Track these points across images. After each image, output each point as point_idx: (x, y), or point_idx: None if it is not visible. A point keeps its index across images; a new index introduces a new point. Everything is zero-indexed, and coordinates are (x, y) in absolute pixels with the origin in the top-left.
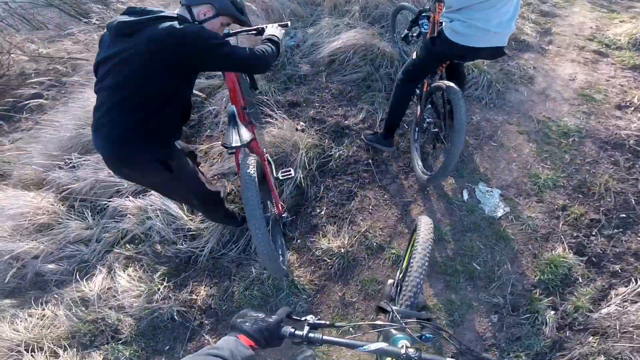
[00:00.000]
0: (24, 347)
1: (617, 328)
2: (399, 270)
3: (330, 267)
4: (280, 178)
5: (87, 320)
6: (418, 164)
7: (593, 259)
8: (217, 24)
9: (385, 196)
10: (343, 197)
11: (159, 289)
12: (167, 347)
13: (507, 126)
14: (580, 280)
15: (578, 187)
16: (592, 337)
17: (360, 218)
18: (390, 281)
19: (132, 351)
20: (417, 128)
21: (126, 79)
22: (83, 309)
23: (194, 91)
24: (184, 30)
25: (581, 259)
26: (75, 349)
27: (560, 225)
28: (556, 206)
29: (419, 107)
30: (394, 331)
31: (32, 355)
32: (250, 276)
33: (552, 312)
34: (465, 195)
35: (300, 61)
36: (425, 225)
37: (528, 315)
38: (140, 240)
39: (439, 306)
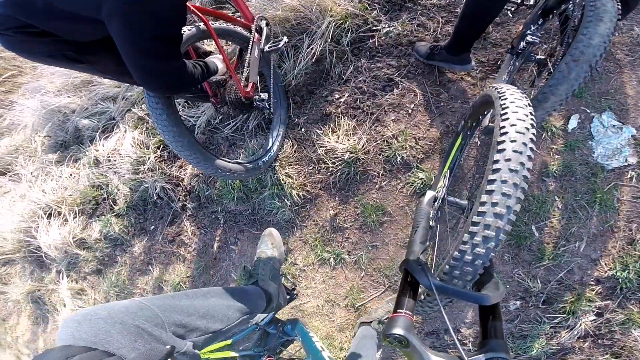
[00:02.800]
0: (44, 211)
1: None
2: (442, 177)
3: (330, 173)
4: (266, 50)
5: (95, 185)
6: None
7: None
8: None
9: (441, 96)
10: (377, 86)
11: (148, 158)
12: (152, 227)
13: None
14: None
15: None
16: (607, 357)
17: (392, 117)
18: (429, 195)
19: (122, 226)
20: (511, 49)
21: None
22: (94, 171)
23: None
24: None
25: None
26: (83, 217)
27: None
28: None
29: (529, 16)
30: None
31: (48, 220)
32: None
33: (593, 318)
34: (573, 123)
35: None
36: (514, 94)
37: (558, 315)
38: None
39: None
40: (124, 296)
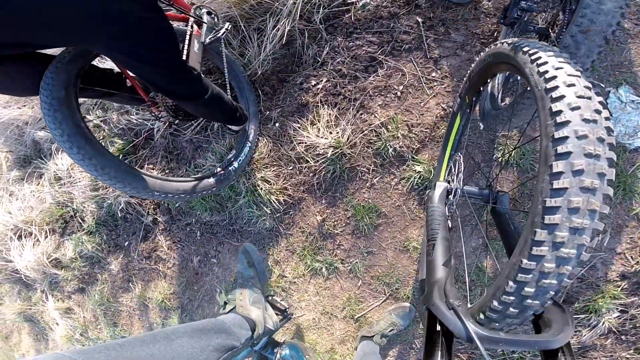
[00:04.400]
0: (13, 233)
1: None
2: (444, 165)
3: (313, 173)
4: (207, 43)
5: (60, 203)
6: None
7: None
8: None
9: (434, 74)
10: (358, 67)
11: None
12: (127, 243)
13: None
14: None
15: None
16: (631, 352)
17: (379, 102)
18: (440, 188)
19: (94, 244)
20: (503, 18)
21: None
22: (56, 188)
23: None
24: None
25: None
26: (55, 236)
27: None
28: None
29: None
30: None
31: (19, 242)
32: (204, 166)
33: (617, 315)
34: None
35: None
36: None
37: (580, 314)
38: (109, 106)
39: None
40: (110, 314)
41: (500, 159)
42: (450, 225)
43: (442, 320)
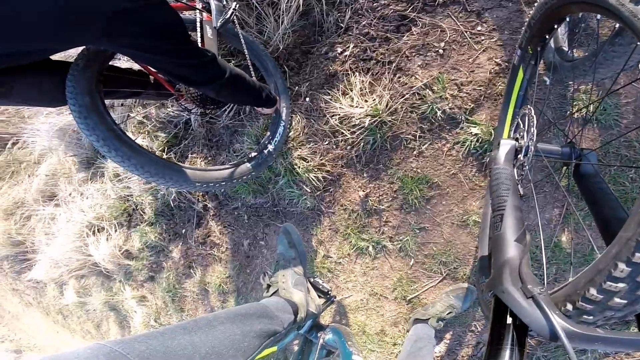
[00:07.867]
0: (89, 229)
1: None
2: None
3: (351, 145)
4: (218, 27)
5: (121, 197)
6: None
7: None
8: None
9: (478, 28)
10: (388, 27)
11: None
12: (184, 231)
13: None
14: None
15: None
16: None
17: (419, 63)
18: (506, 146)
19: (156, 234)
20: None
21: None
22: (116, 184)
23: None
24: None
25: None
26: (123, 229)
27: None
28: None
29: None
30: None
31: (94, 237)
32: (242, 151)
33: None
34: None
35: None
36: None
37: None
38: (148, 102)
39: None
40: (177, 300)
41: (585, 114)
42: (521, 192)
43: (516, 311)
